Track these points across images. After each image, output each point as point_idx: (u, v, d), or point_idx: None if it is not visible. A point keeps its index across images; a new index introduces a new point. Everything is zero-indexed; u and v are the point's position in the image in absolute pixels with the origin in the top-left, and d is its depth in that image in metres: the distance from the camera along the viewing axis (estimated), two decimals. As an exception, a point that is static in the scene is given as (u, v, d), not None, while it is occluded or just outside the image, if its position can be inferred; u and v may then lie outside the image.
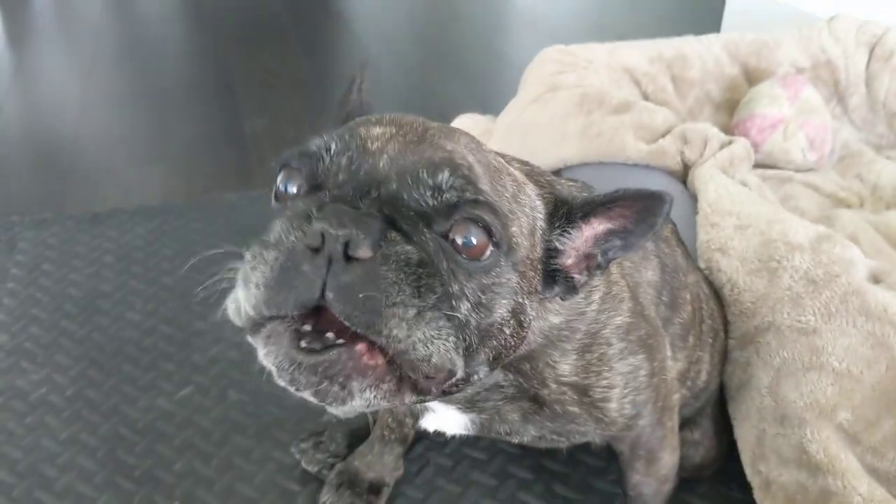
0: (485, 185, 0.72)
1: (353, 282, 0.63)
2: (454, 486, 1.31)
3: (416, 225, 0.69)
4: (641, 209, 0.78)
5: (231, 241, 1.93)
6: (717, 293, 1.30)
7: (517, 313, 0.76)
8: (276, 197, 0.76)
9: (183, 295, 1.70)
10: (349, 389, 0.66)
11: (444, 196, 0.69)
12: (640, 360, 0.96)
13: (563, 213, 0.81)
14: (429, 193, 0.69)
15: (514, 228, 0.74)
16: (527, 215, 0.78)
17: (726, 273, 1.30)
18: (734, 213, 1.38)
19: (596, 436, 1.02)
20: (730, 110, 1.96)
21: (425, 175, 0.70)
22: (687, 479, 1.30)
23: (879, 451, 1.16)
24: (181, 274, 1.76)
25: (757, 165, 1.81)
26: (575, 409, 0.93)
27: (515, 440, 1.03)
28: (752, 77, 1.99)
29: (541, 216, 0.81)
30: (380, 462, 1.27)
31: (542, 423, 0.95)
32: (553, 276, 0.81)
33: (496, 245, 0.71)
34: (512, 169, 0.82)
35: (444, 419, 0.98)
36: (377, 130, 0.74)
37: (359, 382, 0.66)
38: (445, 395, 0.74)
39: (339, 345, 0.65)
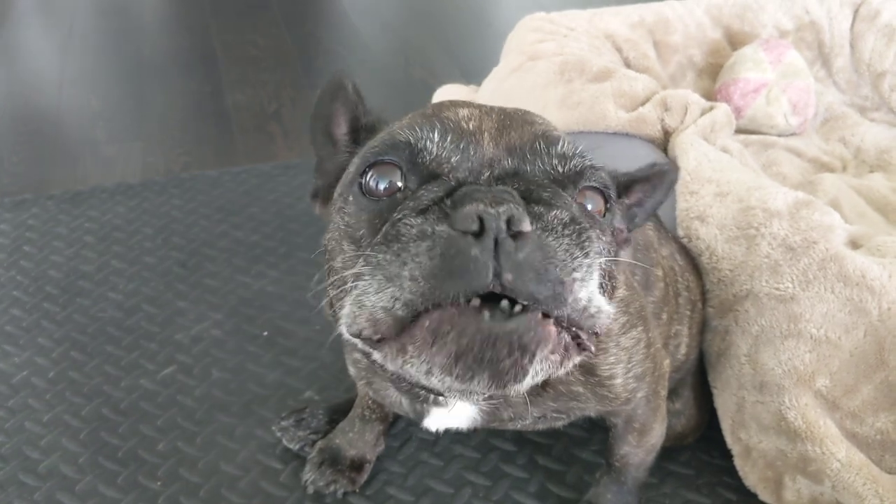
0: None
1: (529, 258, 0.60)
2: (437, 461, 1.31)
3: (556, 191, 0.69)
4: (655, 182, 0.87)
5: (212, 219, 1.92)
6: (694, 263, 1.30)
7: (607, 274, 0.74)
8: (366, 193, 0.72)
9: (164, 274, 1.69)
10: (531, 360, 0.62)
11: (572, 163, 0.71)
12: (639, 332, 0.97)
13: (617, 189, 0.85)
14: (556, 161, 0.71)
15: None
16: None
17: (705, 241, 1.29)
18: (714, 180, 1.37)
19: (594, 411, 1.02)
20: (713, 75, 1.94)
21: (544, 145, 0.71)
22: (669, 448, 1.30)
23: (858, 416, 1.17)
24: (163, 253, 1.75)
25: (740, 131, 1.80)
26: (579, 388, 0.94)
27: (518, 426, 1.03)
28: (735, 41, 1.96)
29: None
30: (361, 439, 1.27)
31: (544, 404, 0.95)
32: None
33: (608, 210, 0.75)
34: None
35: (454, 414, 0.95)
36: (464, 111, 0.74)
37: (541, 350, 0.62)
38: (589, 353, 0.70)
39: (522, 311, 0.60)
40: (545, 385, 0.92)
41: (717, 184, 1.36)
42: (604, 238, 0.73)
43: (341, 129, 0.89)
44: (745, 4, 1.99)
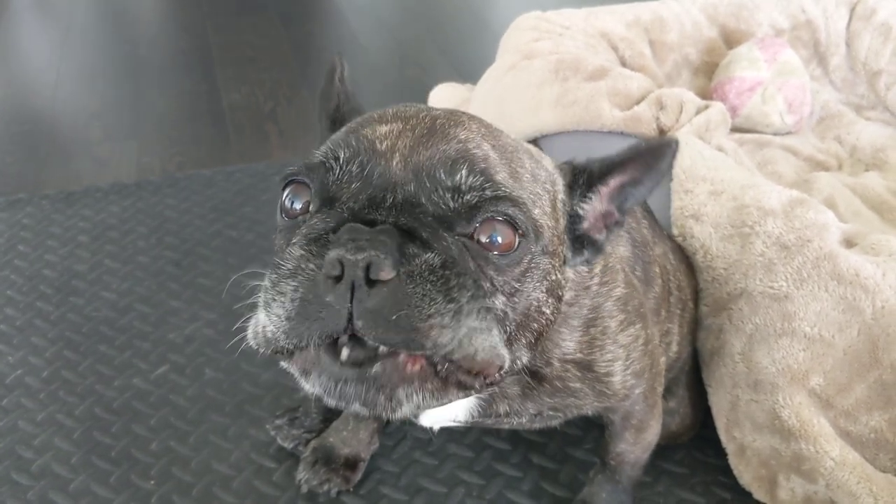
0: (503, 174, 0.71)
1: (380, 305, 0.62)
2: (431, 459, 1.31)
3: (436, 231, 0.67)
4: (650, 158, 0.81)
5: (207, 218, 1.92)
6: (685, 263, 1.29)
7: (553, 290, 0.77)
8: (283, 212, 0.74)
9: (158, 273, 1.69)
10: (397, 398, 0.66)
11: (465, 198, 0.68)
12: (637, 329, 0.97)
13: (583, 181, 0.82)
14: (448, 196, 0.68)
15: (537, 211, 0.74)
16: (547, 192, 0.78)
17: (699, 239, 1.29)
18: (708, 178, 1.36)
19: (591, 408, 1.02)
20: (708, 74, 1.94)
21: (442, 175, 0.68)
22: (663, 446, 1.30)
23: (852, 414, 1.16)
24: (156, 252, 1.75)
25: (735, 129, 1.80)
26: (577, 384, 0.93)
27: (514, 423, 1.03)
28: (730, 40, 1.96)
29: (561, 188, 0.82)
30: (355, 437, 1.26)
31: (540, 399, 0.94)
32: (578, 241, 0.83)
33: (523, 236, 0.71)
34: (527, 145, 0.83)
35: (447, 410, 0.95)
36: (383, 129, 0.72)
37: (405, 390, 0.66)
38: (489, 387, 0.73)
39: (382, 355, 0.64)
40: (541, 380, 0.91)
41: (712, 182, 1.36)
42: (503, 274, 0.70)
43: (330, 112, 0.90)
44: (741, 3, 1.99)
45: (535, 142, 1.69)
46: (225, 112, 2.41)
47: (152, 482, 1.27)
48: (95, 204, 1.91)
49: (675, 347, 1.20)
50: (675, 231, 1.34)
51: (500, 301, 0.69)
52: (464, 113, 0.78)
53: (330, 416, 1.33)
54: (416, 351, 0.64)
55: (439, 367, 0.66)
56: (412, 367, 0.65)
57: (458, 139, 0.72)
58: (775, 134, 1.80)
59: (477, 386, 0.70)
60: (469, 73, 2.21)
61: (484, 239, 0.69)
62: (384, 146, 0.70)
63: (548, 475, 1.29)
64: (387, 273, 0.62)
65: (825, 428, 1.14)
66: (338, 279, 0.62)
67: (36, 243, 1.78)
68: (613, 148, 1.56)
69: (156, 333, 1.55)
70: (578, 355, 0.91)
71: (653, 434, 1.12)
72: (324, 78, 0.92)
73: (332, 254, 0.63)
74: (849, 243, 1.25)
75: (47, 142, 2.24)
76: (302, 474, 1.26)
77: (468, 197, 0.68)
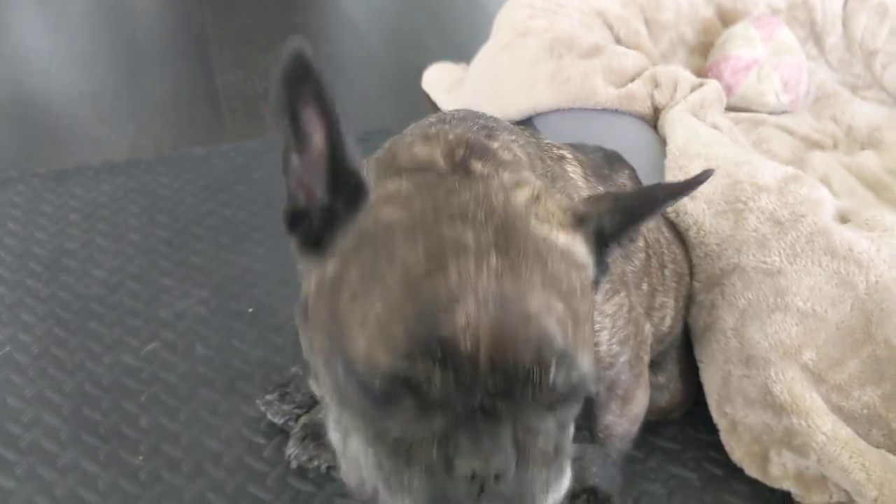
0: (581, 354, 0.68)
1: (507, 493, 0.66)
2: (421, 435, 1.30)
3: (541, 416, 0.68)
4: (673, 198, 0.77)
5: (199, 197, 1.90)
6: (681, 236, 1.29)
7: None
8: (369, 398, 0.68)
9: (149, 251, 1.68)
10: None
11: (557, 392, 0.66)
12: (622, 297, 0.97)
13: (604, 251, 0.77)
14: (545, 396, 0.66)
15: (588, 359, 0.70)
16: (589, 294, 0.75)
17: (692, 215, 1.28)
18: (702, 155, 1.36)
19: None
20: (704, 53, 1.93)
21: (537, 376, 0.65)
22: (654, 423, 1.29)
23: (844, 389, 1.16)
24: (148, 231, 1.74)
25: (731, 109, 1.79)
26: None
27: None
28: (726, 18, 1.95)
29: (591, 267, 0.76)
30: (345, 413, 1.25)
31: None
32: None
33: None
34: (557, 236, 0.72)
35: None
36: (461, 319, 0.63)
37: None
38: None
39: None
40: None
41: (706, 159, 1.35)
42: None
43: (312, 126, 0.68)
44: (737, -18, 1.98)
45: (528, 120, 1.68)
46: (220, 93, 2.39)
47: (141, 458, 1.26)
48: (87, 183, 1.90)
49: (668, 321, 1.20)
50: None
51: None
52: (513, 234, 0.69)
53: (320, 392, 1.33)
54: None
55: None
56: None
57: (533, 314, 0.65)
58: (771, 113, 1.79)
59: None
60: (465, 55, 2.19)
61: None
62: (469, 346, 0.63)
63: (539, 451, 1.28)
64: (511, 473, 0.66)
65: (817, 403, 1.13)
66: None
67: (26, 221, 1.77)
68: (608, 125, 1.56)
69: (147, 311, 1.53)
70: None
71: (640, 406, 1.11)
72: (286, 61, 0.65)
73: (464, 467, 0.65)
74: (843, 219, 1.24)
75: (41, 124, 2.22)
76: (291, 450, 1.25)
77: (561, 391, 0.67)
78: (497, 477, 0.66)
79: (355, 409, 0.70)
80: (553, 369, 0.65)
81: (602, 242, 0.76)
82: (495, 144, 0.87)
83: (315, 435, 1.25)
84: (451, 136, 0.85)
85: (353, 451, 0.72)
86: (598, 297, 0.93)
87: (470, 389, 0.64)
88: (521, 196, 0.73)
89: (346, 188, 0.71)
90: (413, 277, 0.65)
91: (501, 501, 0.67)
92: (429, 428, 0.66)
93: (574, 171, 1.04)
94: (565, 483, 0.72)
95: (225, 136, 2.16)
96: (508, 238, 0.68)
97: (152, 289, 1.59)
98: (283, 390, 1.33)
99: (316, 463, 1.24)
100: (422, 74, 2.25)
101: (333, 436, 0.75)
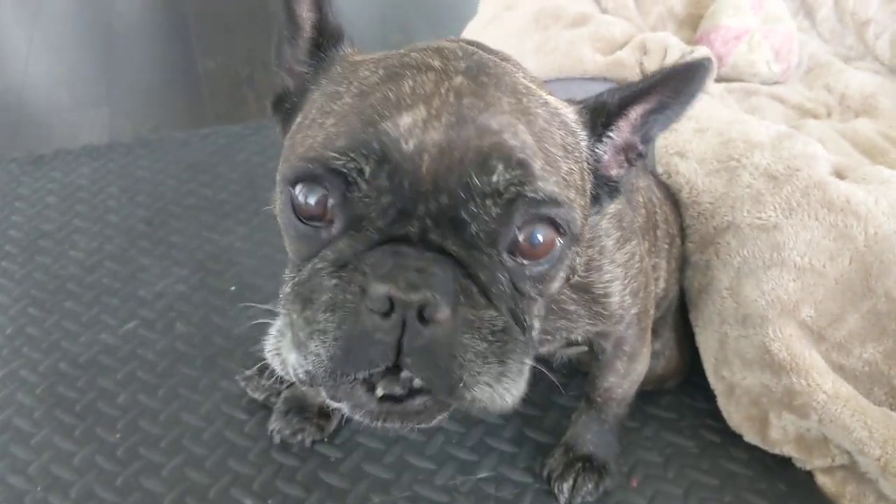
0: (539, 162, 0.64)
1: (432, 347, 0.61)
2: (409, 408, 1.26)
3: (490, 269, 0.64)
4: (680, 82, 0.74)
5: (180, 178, 1.86)
6: (671, 198, 1.25)
7: (571, 266, 0.74)
8: (295, 211, 0.66)
9: (128, 231, 1.63)
10: (427, 421, 0.68)
11: (504, 197, 0.62)
12: (633, 245, 0.94)
13: (602, 122, 0.76)
14: (490, 202, 0.62)
15: (571, 194, 0.68)
16: (576, 161, 0.72)
17: (685, 175, 1.24)
18: (693, 117, 1.32)
19: (582, 332, 0.96)
20: (693, 26, 1.89)
21: (478, 181, 0.61)
22: (650, 392, 1.26)
23: (845, 347, 1.12)
24: (127, 211, 1.69)
25: (722, 79, 1.75)
26: (571, 306, 0.90)
27: None
28: (716, -10, 1.92)
29: (584, 145, 0.75)
30: (329, 384, 1.21)
31: None
32: (597, 187, 0.77)
33: (563, 235, 0.67)
34: (549, 97, 0.74)
35: None
36: (407, 120, 0.62)
37: (438, 415, 0.68)
38: None
39: (418, 391, 0.64)
40: None
41: (697, 120, 1.32)
42: (539, 284, 0.69)
43: (305, 12, 0.77)
44: (726, -47, 1.94)
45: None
46: (201, 78, 2.35)
47: (118, 435, 1.22)
48: (65, 167, 1.85)
49: (662, 283, 1.16)
50: (659, 169, 1.29)
51: (536, 326, 0.70)
52: (489, 69, 0.69)
53: (304, 365, 1.28)
54: (456, 402, 0.64)
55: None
56: (434, 408, 0.67)
57: (491, 130, 0.63)
58: (763, 83, 1.76)
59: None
60: (451, 30, 2.15)
61: (523, 240, 0.65)
62: (411, 146, 0.61)
63: (531, 421, 1.24)
64: (443, 314, 0.60)
65: (817, 361, 1.09)
66: (386, 315, 0.60)
67: (2, 205, 1.72)
68: (595, 93, 1.53)
69: (125, 290, 1.49)
70: (576, 278, 0.85)
71: (643, 364, 1.08)
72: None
73: (381, 289, 0.59)
74: (839, 175, 1.21)
75: (19, 109, 2.18)
76: (274, 424, 1.21)
77: (507, 196, 0.62)
78: (423, 315, 0.60)
79: (291, 235, 0.69)
80: (499, 170, 0.62)
81: (604, 122, 0.75)
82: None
83: (299, 408, 1.21)
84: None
85: (278, 342, 0.69)
86: (610, 244, 0.90)
87: (408, 209, 0.62)
88: (513, 68, 0.75)
89: (328, 43, 0.76)
90: (367, 88, 0.67)
91: (424, 348, 0.61)
92: (350, 252, 0.63)
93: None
94: (512, 387, 0.65)
95: (206, 121, 2.12)
96: (483, 70, 0.68)
97: (131, 268, 1.54)
98: (264, 365, 1.28)
99: (300, 437, 1.20)
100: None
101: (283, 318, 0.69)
